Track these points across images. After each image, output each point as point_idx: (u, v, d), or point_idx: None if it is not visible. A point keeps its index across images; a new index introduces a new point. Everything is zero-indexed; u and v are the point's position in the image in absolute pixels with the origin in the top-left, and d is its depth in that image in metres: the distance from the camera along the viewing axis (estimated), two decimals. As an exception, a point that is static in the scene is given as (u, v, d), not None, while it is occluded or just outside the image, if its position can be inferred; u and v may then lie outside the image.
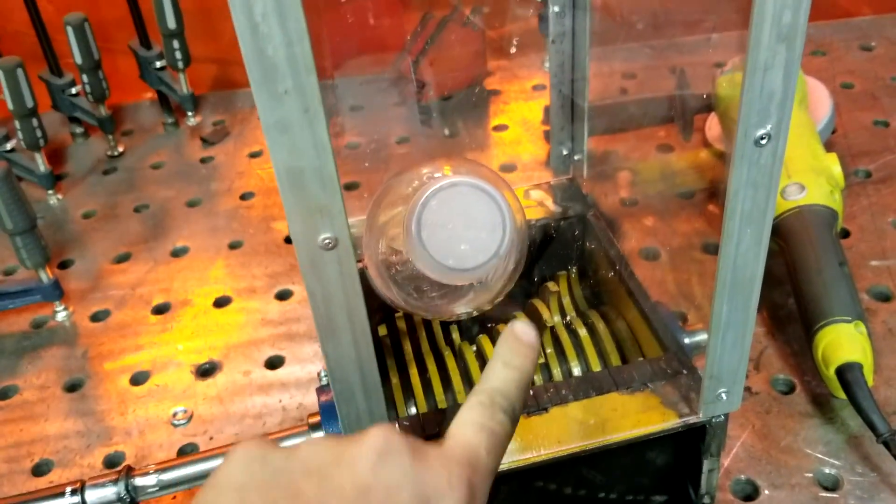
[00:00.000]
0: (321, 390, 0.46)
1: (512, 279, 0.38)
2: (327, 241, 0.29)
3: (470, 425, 0.30)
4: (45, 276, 0.64)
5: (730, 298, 0.35)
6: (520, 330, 0.32)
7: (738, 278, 0.34)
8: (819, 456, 0.51)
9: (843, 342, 0.51)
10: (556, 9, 0.47)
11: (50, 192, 0.78)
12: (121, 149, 0.84)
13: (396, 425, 0.39)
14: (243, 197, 0.77)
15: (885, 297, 0.61)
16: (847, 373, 0.50)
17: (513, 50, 0.83)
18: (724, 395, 0.38)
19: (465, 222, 0.33)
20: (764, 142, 0.30)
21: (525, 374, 0.31)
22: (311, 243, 0.29)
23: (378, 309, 0.44)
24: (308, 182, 0.27)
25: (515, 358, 0.31)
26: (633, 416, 0.39)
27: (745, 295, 0.35)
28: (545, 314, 0.47)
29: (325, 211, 0.28)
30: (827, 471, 0.50)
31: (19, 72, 0.71)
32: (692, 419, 0.39)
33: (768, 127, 0.30)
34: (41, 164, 0.76)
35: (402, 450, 0.27)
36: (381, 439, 0.27)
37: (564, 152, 0.53)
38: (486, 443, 0.29)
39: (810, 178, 0.60)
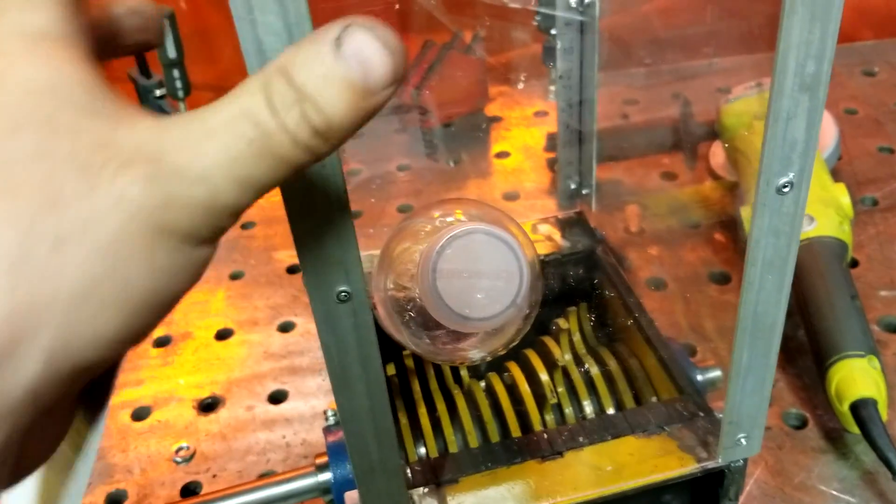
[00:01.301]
0: (328, 430, 0.45)
1: (527, 323, 0.37)
2: (343, 293, 0.28)
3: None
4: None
5: (750, 345, 0.34)
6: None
7: (759, 325, 0.34)
8: (834, 493, 0.50)
9: (856, 378, 0.51)
10: (564, 45, 0.47)
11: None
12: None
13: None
14: (244, 226, 0.77)
15: (895, 329, 0.60)
16: (861, 409, 0.50)
17: (520, 86, 0.82)
18: (743, 440, 0.38)
19: (481, 271, 0.32)
20: (786, 190, 0.30)
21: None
22: (326, 297, 0.28)
23: (386, 348, 0.43)
24: (323, 236, 0.27)
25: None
26: (651, 461, 0.39)
27: (766, 341, 0.34)
28: (556, 352, 0.46)
29: (341, 265, 0.28)
30: (842, 509, 0.49)
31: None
32: (710, 464, 0.39)
33: (791, 175, 0.30)
34: (40, 194, 0.75)
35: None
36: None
37: (573, 186, 0.53)
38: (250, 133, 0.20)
39: (819, 210, 0.59)
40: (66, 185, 0.19)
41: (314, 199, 0.26)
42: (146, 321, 0.21)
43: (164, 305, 0.21)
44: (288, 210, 0.26)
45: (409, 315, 0.35)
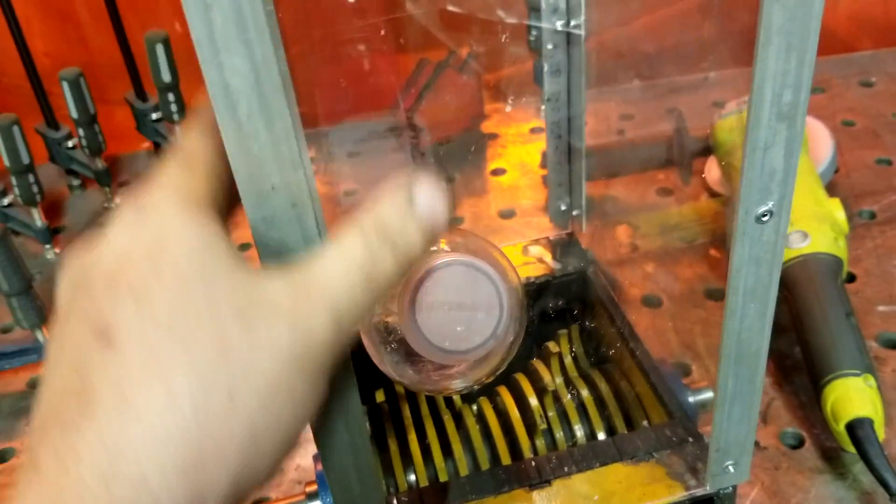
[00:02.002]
0: (318, 458, 0.45)
1: (512, 351, 0.37)
2: (319, 330, 0.28)
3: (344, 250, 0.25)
4: (42, 336, 0.64)
5: (735, 372, 0.34)
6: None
7: (743, 352, 0.33)
8: (831, 514, 0.50)
9: (852, 397, 0.50)
10: (552, 68, 0.47)
11: (47, 246, 0.77)
12: (118, 200, 0.84)
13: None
14: (241, 248, 0.77)
15: (894, 345, 0.60)
16: (858, 429, 0.49)
17: (508, 108, 0.82)
18: (731, 467, 0.37)
19: (460, 303, 0.32)
20: (766, 219, 0.30)
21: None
22: (302, 334, 0.28)
23: (377, 373, 0.43)
24: (297, 274, 0.27)
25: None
26: (639, 489, 0.38)
27: (751, 368, 0.34)
28: (546, 377, 0.46)
29: (316, 302, 0.27)
30: (840, 531, 0.49)
31: (15, 129, 0.70)
32: (699, 491, 0.38)
33: (770, 204, 0.29)
34: (38, 219, 0.75)
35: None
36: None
37: (563, 207, 0.52)
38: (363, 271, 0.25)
39: (813, 226, 0.59)
40: (231, 337, 0.22)
41: (286, 240, 0.26)
42: (287, 453, 0.24)
43: (297, 436, 0.24)
44: (260, 251, 0.26)
45: (392, 346, 0.35)
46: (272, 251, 0.26)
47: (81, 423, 0.21)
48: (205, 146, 0.26)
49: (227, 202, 0.27)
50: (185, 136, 0.27)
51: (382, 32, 0.70)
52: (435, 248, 0.37)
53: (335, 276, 0.25)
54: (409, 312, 0.32)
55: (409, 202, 0.26)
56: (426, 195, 0.26)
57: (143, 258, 0.23)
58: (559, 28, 0.45)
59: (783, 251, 0.31)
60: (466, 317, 0.32)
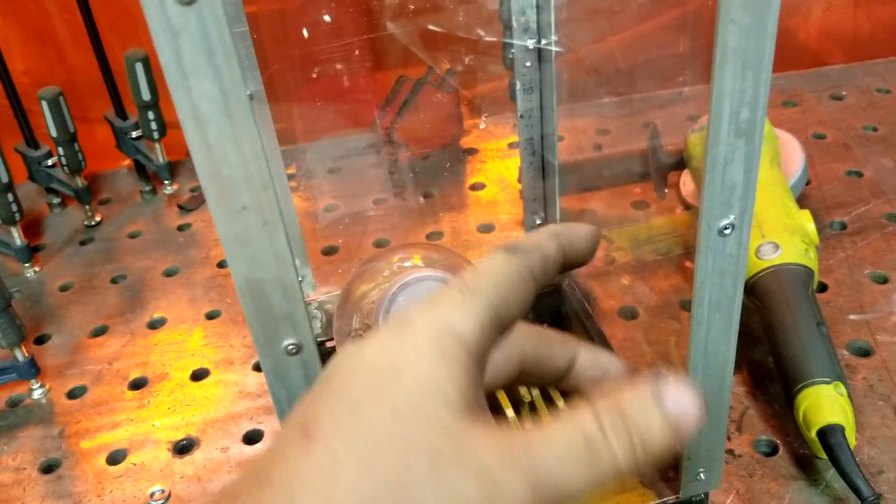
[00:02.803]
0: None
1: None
2: (291, 346, 0.29)
3: None
4: (21, 354, 0.64)
5: (703, 382, 0.35)
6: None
7: (709, 363, 0.34)
8: (804, 521, 0.50)
9: (823, 405, 0.51)
10: (524, 85, 0.48)
11: (27, 265, 0.77)
12: (98, 218, 0.84)
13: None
14: (220, 265, 0.77)
15: (864, 353, 0.61)
16: (829, 436, 0.50)
17: (482, 125, 0.84)
18: (702, 474, 0.38)
19: (432, 317, 0.32)
20: (728, 232, 0.30)
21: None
22: (274, 349, 0.29)
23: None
24: (269, 292, 0.27)
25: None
26: (612, 499, 0.39)
27: (718, 378, 0.35)
28: (522, 390, 0.46)
29: (288, 318, 0.28)
30: (813, 537, 0.49)
31: (-7, 149, 0.71)
32: (671, 499, 0.39)
33: (731, 217, 0.30)
34: (17, 238, 0.76)
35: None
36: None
37: (538, 222, 0.53)
38: None
39: (784, 238, 0.60)
40: (415, 474, 0.23)
41: (258, 257, 0.27)
42: None
43: None
44: (232, 268, 0.27)
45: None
46: (245, 269, 0.27)
47: (244, 497, 0.23)
48: (496, 270, 0.27)
49: (509, 321, 0.27)
50: (478, 260, 0.28)
51: (357, 52, 0.70)
52: (409, 263, 0.37)
53: (550, 443, 0.24)
54: (384, 325, 0.32)
55: (654, 396, 0.25)
56: (676, 393, 0.26)
57: (377, 374, 0.24)
58: (530, 46, 0.46)
59: (746, 263, 0.32)
60: (438, 331, 0.32)
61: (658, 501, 0.39)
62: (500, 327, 0.27)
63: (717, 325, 0.33)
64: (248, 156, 0.24)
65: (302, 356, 0.29)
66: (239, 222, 0.26)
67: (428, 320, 0.25)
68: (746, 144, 0.29)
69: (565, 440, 0.24)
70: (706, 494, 0.39)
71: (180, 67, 0.23)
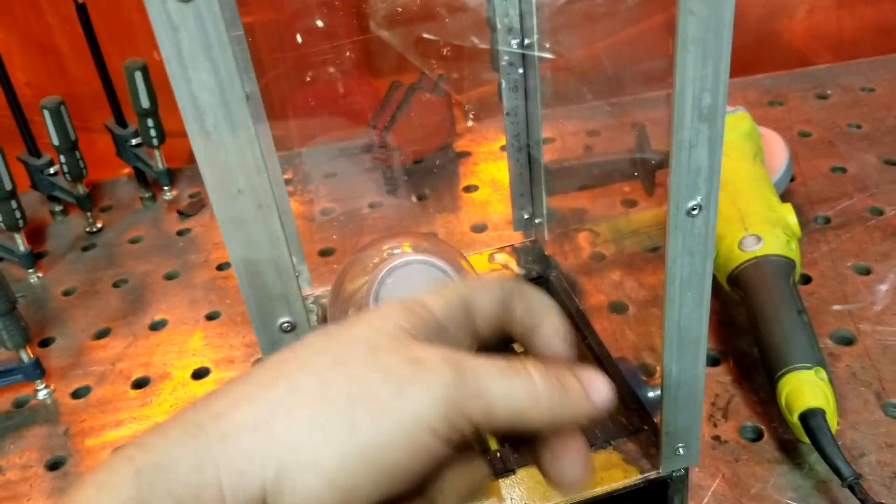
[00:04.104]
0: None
1: (472, 347, 0.39)
2: (286, 324, 0.31)
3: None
4: (26, 355, 0.65)
5: (678, 358, 0.36)
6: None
7: (684, 339, 0.36)
8: (789, 502, 0.52)
9: (804, 389, 0.53)
10: (509, 84, 0.49)
11: (30, 271, 0.79)
12: (99, 225, 0.86)
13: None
14: (220, 267, 0.79)
15: (847, 342, 0.62)
16: (810, 419, 0.52)
17: (469, 123, 0.85)
18: (681, 449, 0.40)
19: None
20: (695, 212, 0.32)
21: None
22: (270, 328, 0.31)
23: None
24: (264, 272, 0.29)
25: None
26: (597, 475, 0.41)
27: (692, 354, 0.36)
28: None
29: (282, 297, 0.30)
30: (796, 517, 0.51)
31: (-3, 157, 0.73)
32: (653, 475, 0.41)
33: (698, 199, 0.32)
34: (21, 244, 0.77)
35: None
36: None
37: (525, 216, 0.55)
38: None
39: (766, 230, 0.62)
40: (358, 355, 0.26)
41: (253, 238, 0.28)
42: (396, 490, 0.26)
43: (406, 481, 0.27)
44: (229, 249, 0.29)
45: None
46: (241, 250, 0.28)
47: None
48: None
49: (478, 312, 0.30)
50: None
51: (351, 59, 0.72)
52: (399, 250, 0.39)
53: (481, 360, 0.27)
54: (373, 307, 0.34)
55: (569, 368, 0.29)
56: (588, 371, 0.29)
57: (347, 322, 0.28)
58: (514, 46, 0.48)
59: (714, 243, 0.33)
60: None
61: (640, 477, 0.41)
62: (465, 309, 0.30)
63: (689, 302, 0.35)
64: (244, 142, 0.26)
65: (296, 333, 0.31)
66: (235, 205, 0.27)
67: (398, 299, 0.29)
68: (710, 129, 0.31)
69: (492, 360, 0.28)
70: (686, 471, 0.41)
71: (180, 60, 0.25)
